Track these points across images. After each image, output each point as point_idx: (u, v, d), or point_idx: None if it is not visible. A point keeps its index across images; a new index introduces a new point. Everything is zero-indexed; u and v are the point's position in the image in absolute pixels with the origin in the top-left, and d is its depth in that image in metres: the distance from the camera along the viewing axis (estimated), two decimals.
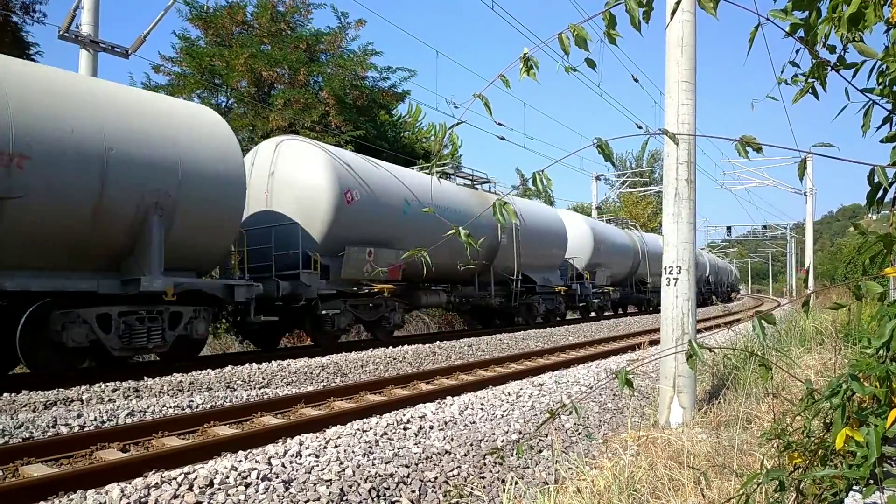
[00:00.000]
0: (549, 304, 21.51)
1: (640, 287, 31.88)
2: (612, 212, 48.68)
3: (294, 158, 12.92)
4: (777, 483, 2.32)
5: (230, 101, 21.19)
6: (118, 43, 12.45)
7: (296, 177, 12.71)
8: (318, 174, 12.56)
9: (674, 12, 5.98)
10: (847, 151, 2.31)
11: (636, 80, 21.31)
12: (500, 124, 20.18)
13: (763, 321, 2.21)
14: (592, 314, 27.07)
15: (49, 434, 6.08)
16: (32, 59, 16.74)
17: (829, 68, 2.21)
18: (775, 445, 2.72)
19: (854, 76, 2.22)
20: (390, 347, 12.26)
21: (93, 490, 4.04)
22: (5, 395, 7.18)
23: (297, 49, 20.95)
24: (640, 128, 26.11)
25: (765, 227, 59.22)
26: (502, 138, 21.72)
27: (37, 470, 5.01)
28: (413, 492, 4.38)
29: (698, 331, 8.00)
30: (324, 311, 12.40)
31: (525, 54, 2.15)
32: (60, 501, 3.89)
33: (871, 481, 2.09)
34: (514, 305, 19.32)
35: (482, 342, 14.04)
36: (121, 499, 3.87)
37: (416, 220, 14.26)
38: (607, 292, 26.91)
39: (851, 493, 2.20)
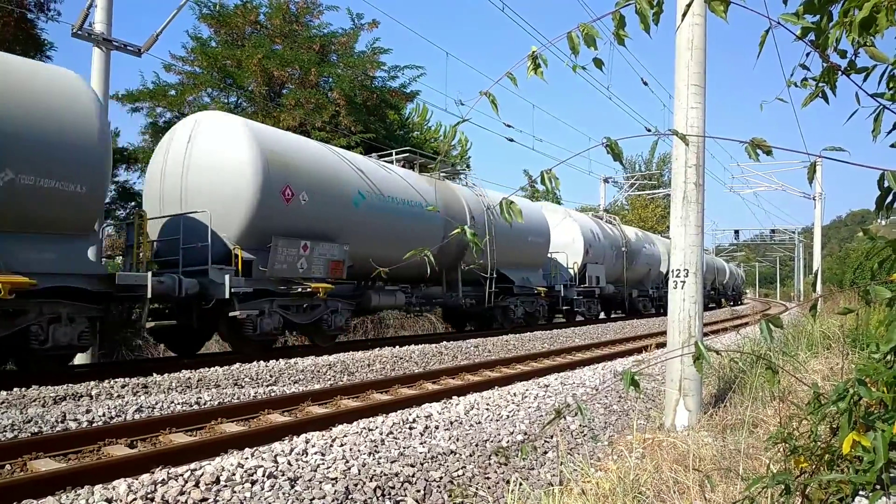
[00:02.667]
0: (528, 306, 19.48)
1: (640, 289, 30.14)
2: (620, 214, 48.58)
3: (211, 136, 11.37)
4: (783, 487, 2.31)
5: (241, 101, 21.26)
6: (131, 41, 12.51)
7: (213, 157, 11.18)
8: (239, 153, 11.00)
9: (684, 15, 5.97)
10: (857, 156, 2.31)
11: (645, 84, 21.27)
12: (508, 126, 20.17)
13: (770, 325, 2.21)
14: (579, 318, 23.84)
15: (58, 429, 6.12)
16: (48, 58, 16.86)
17: (840, 72, 2.21)
18: (781, 449, 2.71)
19: (865, 80, 2.22)
20: (397, 347, 12.27)
21: (100, 485, 4.06)
22: (15, 389, 7.23)
23: (308, 49, 21.00)
24: (649, 130, 26.07)
25: (773, 230, 58.95)
26: (511, 140, 21.75)
27: (45, 465, 5.05)
28: (418, 491, 4.39)
29: (705, 334, 7.98)
30: (237, 313, 10.63)
31: (533, 52, 2.15)
32: (68, 496, 3.91)
33: (878, 486, 2.09)
34: (487, 308, 17.65)
35: (488, 343, 14.05)
36: (128, 494, 3.90)
37: (369, 213, 13.12)
38: (593, 295, 23.96)
39: (858, 498, 2.19)
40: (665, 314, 26.14)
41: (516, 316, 18.77)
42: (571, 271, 22.48)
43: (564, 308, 21.94)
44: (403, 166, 16.35)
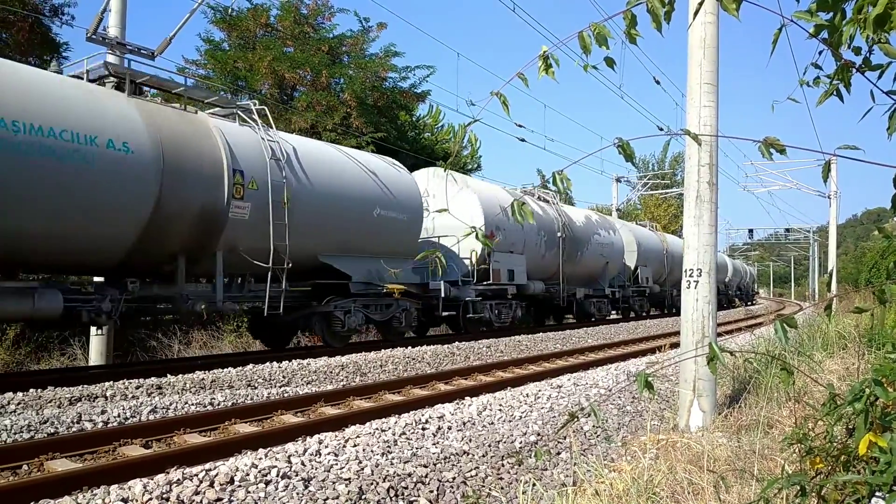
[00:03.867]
0: (376, 312, 13.33)
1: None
2: (633, 213, 48.33)
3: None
4: (798, 488, 2.30)
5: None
6: (145, 45, 12.60)
7: None
8: None
9: (696, 13, 5.94)
10: (872, 154, 2.29)
11: (658, 82, 21.18)
12: (519, 126, 20.15)
13: (785, 325, 2.20)
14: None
15: (73, 430, 6.18)
16: (65, 59, 16.99)
17: (854, 70, 2.19)
18: (797, 450, 2.69)
19: (879, 78, 2.20)
20: (409, 348, 12.28)
21: (116, 485, 4.10)
22: (31, 390, 7.30)
23: (319, 51, 21.08)
24: (661, 130, 25.94)
25: (787, 230, 58.55)
26: (522, 140, 21.72)
27: (61, 465, 5.09)
28: (431, 492, 4.39)
29: (718, 334, 7.93)
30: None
31: (544, 52, 2.15)
32: (84, 496, 3.95)
33: (895, 488, 2.07)
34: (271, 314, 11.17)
35: (501, 343, 14.04)
36: (143, 494, 3.93)
37: None
38: (505, 295, 17.91)
39: (874, 499, 2.17)
40: (637, 318, 25.13)
41: (346, 327, 12.41)
42: (468, 262, 16.66)
43: (444, 314, 15.73)
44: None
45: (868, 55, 2.20)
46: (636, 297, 27.87)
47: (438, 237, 16.00)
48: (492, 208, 16.89)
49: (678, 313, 6.76)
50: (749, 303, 54.47)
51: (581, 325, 21.18)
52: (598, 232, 23.47)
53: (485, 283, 16.76)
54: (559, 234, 20.46)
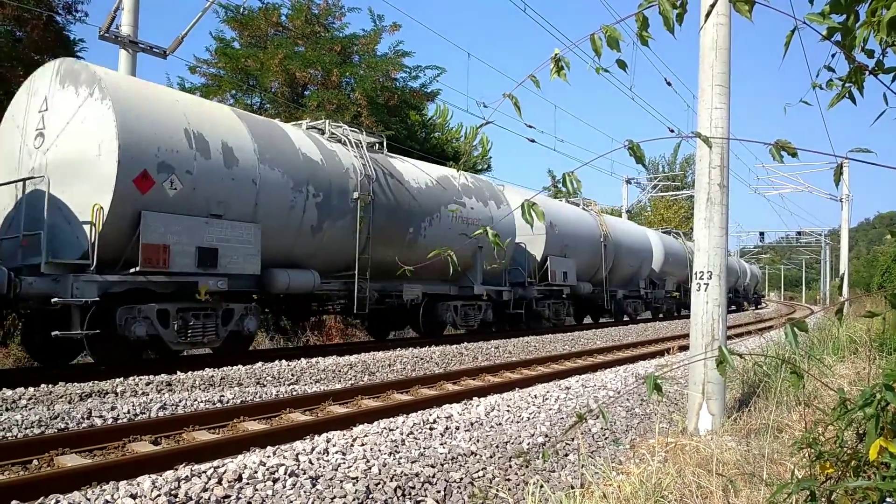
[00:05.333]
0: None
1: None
2: (643, 215, 48.18)
3: None
4: (808, 493, 2.28)
5: (264, 103, 21.45)
6: (157, 43, 12.68)
7: None
8: None
9: (708, 15, 5.92)
10: (885, 157, 2.27)
11: (669, 84, 21.10)
12: (530, 126, 20.11)
13: (795, 328, 2.19)
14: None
15: (84, 425, 6.22)
16: (80, 57, 17.11)
17: (867, 73, 2.18)
18: (806, 455, 2.68)
19: (893, 81, 2.19)
20: (417, 348, 12.29)
21: (125, 481, 4.12)
22: (42, 385, 7.36)
23: (330, 51, 21.13)
24: (672, 131, 25.85)
25: (799, 233, 58.16)
26: (532, 140, 21.68)
27: (71, 460, 5.13)
28: (438, 492, 4.40)
29: (728, 337, 7.90)
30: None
31: (556, 55, 2.15)
32: (94, 492, 3.97)
33: None
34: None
35: (509, 344, 14.02)
36: (152, 491, 3.95)
37: None
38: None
39: None
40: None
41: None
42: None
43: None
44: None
45: (881, 58, 2.19)
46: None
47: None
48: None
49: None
50: (755, 306, 52.85)
51: (591, 327, 21.14)
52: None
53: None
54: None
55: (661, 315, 29.87)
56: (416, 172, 14.26)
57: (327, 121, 12.77)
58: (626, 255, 24.19)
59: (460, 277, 15.42)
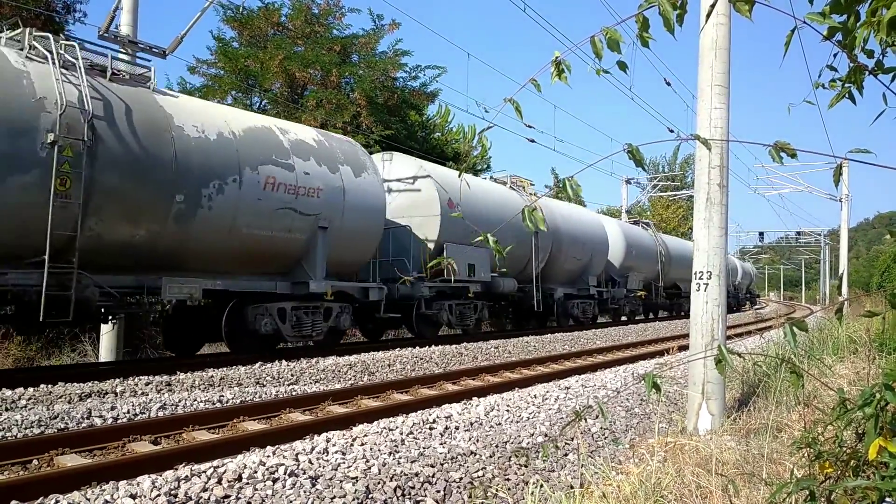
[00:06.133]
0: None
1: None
2: (642, 215, 48.20)
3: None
4: (807, 493, 2.29)
5: (263, 102, 21.45)
6: (156, 43, 12.67)
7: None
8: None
9: (708, 15, 5.92)
10: (884, 157, 2.28)
11: (668, 84, 21.08)
12: (529, 126, 20.07)
13: (795, 328, 2.19)
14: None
15: (83, 425, 6.22)
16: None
17: (867, 73, 2.18)
18: (806, 454, 2.68)
19: (893, 81, 2.19)
20: (417, 348, 12.30)
21: (124, 481, 4.12)
22: (42, 385, 7.35)
23: (330, 51, 21.13)
24: (671, 132, 25.82)
25: (798, 233, 58.20)
26: (532, 140, 21.65)
27: (71, 460, 5.12)
28: (438, 492, 4.40)
29: (728, 337, 7.91)
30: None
31: (556, 58, 2.15)
32: (93, 492, 3.97)
33: None
34: None
35: (509, 344, 14.02)
36: (151, 491, 3.95)
37: None
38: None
39: None
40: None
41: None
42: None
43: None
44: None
45: (881, 58, 2.19)
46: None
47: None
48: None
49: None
50: (751, 306, 49.81)
51: (590, 328, 21.02)
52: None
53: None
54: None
55: (623, 318, 25.60)
56: (201, 116, 9.88)
57: (29, 29, 8.49)
58: (570, 245, 19.48)
59: (295, 269, 11.38)
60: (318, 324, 11.68)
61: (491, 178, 18.34)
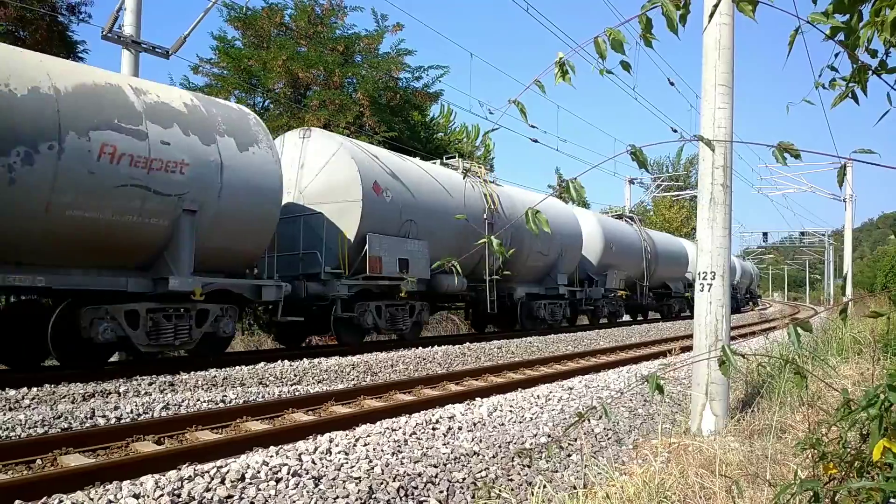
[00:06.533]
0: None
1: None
2: (645, 216, 48.14)
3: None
4: (811, 494, 2.28)
5: (266, 102, 21.48)
6: (160, 44, 12.69)
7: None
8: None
9: (711, 15, 5.90)
10: (888, 157, 2.27)
11: (672, 84, 21.08)
12: (533, 127, 20.07)
13: (799, 329, 2.18)
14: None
15: (87, 425, 6.23)
16: (80, 59, 17.13)
17: (871, 73, 2.17)
18: (810, 455, 2.67)
19: None
20: (420, 348, 12.30)
21: (128, 481, 4.12)
22: (46, 385, 7.37)
23: (333, 51, 21.15)
24: (675, 131, 25.81)
25: (802, 233, 58.13)
26: (535, 141, 21.66)
27: (75, 460, 5.13)
28: (441, 492, 4.40)
29: (732, 337, 7.89)
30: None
31: (560, 59, 2.15)
32: (97, 491, 3.98)
33: None
34: None
35: (512, 344, 14.02)
36: (155, 490, 3.95)
37: None
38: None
39: None
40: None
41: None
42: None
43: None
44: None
45: (885, 58, 2.19)
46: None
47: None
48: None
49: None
50: (751, 306, 48.33)
51: (593, 328, 21.01)
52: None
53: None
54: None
55: (602, 320, 23.47)
56: (9, 66, 7.79)
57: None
58: (534, 239, 16.98)
59: (157, 263, 9.30)
60: (184, 330, 9.59)
61: (441, 162, 16.58)
